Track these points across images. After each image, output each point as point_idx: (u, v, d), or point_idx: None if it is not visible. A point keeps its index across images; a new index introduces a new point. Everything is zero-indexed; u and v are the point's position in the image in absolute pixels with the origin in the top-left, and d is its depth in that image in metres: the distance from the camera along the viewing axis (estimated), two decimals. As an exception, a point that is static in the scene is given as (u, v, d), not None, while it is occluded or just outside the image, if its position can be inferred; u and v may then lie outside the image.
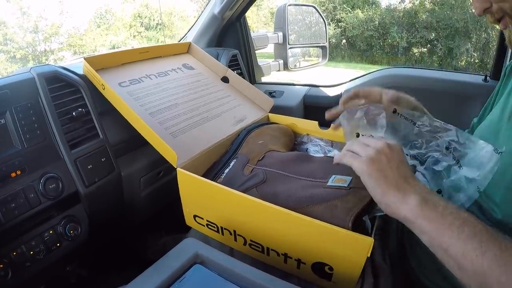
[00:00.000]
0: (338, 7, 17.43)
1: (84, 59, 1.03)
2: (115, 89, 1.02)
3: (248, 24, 1.95)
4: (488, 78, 1.64)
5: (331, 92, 1.91)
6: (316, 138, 1.15)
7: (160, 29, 22.31)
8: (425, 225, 0.60)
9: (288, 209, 0.71)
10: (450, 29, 14.73)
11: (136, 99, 1.03)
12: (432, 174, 0.84)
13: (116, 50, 1.45)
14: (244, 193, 0.78)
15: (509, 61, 1.07)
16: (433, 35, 15.29)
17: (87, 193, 0.96)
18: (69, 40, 20.08)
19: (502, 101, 0.93)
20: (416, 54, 15.83)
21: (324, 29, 2.28)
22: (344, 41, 17.24)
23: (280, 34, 2.10)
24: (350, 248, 0.67)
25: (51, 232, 0.91)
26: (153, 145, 0.91)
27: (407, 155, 0.89)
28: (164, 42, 21.91)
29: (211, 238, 0.91)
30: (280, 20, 2.09)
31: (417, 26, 15.69)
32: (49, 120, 0.94)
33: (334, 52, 17.44)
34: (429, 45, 15.40)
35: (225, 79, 1.33)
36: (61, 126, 0.95)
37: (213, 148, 1.00)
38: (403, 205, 0.62)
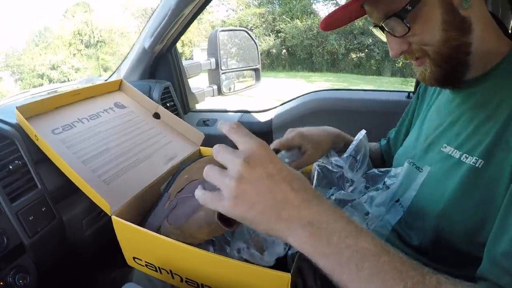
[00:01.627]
0: (278, 18, 17.74)
1: (16, 108, 1.05)
2: (49, 138, 1.05)
3: (190, 40, 1.98)
4: (411, 94, 1.76)
5: (263, 118, 1.98)
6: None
7: (100, 46, 21.88)
8: (319, 261, 0.53)
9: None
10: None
11: (69, 146, 1.06)
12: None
13: (49, 93, 1.46)
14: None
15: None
16: (370, 40, 15.81)
17: (31, 243, 0.98)
18: (6, 60, 19.48)
19: (417, 126, 1.01)
20: (355, 59, 16.31)
21: (256, 52, 2.34)
22: (284, 50, 17.52)
23: (213, 60, 2.13)
24: (271, 285, 0.71)
25: (1, 283, 0.92)
26: (86, 193, 0.95)
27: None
28: (104, 60, 21.45)
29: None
30: (213, 45, 2.12)
31: (355, 32, 16.20)
32: None
33: (275, 62, 17.71)
34: (366, 50, 15.91)
35: (156, 115, 1.36)
36: (-1, 180, 0.97)
37: (146, 190, 1.04)
38: (292, 237, 0.54)
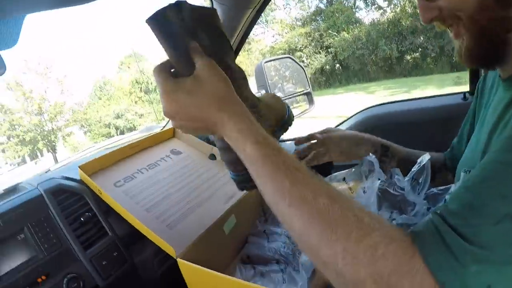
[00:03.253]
0: (324, 34, 17.61)
1: (79, 167, 1.14)
2: (112, 191, 1.12)
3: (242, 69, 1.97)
4: (467, 95, 1.64)
5: None
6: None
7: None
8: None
9: None
10: (435, 28, 14.79)
11: (131, 197, 1.12)
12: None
13: (109, 148, 1.55)
14: None
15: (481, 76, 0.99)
16: (422, 38, 15.35)
17: (106, 285, 1.05)
18: (73, 116, 20.64)
19: (477, 129, 0.90)
20: (410, 61, 15.86)
21: (304, 75, 2.31)
22: (337, 65, 17.34)
23: (263, 91, 2.13)
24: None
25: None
26: (151, 239, 0.99)
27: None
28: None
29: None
30: (260, 78, 2.10)
31: (404, 33, 15.79)
32: (62, 228, 1.06)
33: (330, 79, 17.53)
34: (420, 49, 15.43)
35: (212, 156, 1.40)
36: (73, 231, 1.06)
37: (209, 231, 1.07)
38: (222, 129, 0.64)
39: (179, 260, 0.93)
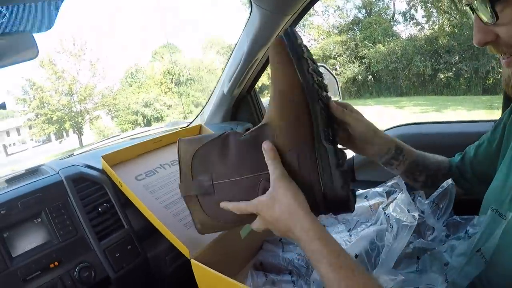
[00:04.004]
0: (360, 44, 17.53)
1: (102, 157, 1.14)
2: (132, 184, 1.12)
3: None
4: None
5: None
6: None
7: (190, 83, 22.82)
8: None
9: None
10: (472, 49, 14.61)
11: (151, 192, 1.13)
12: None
13: (133, 141, 1.55)
14: None
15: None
16: (457, 58, 15.18)
17: (117, 277, 1.06)
18: (103, 100, 20.84)
19: (507, 161, 0.85)
20: (443, 79, 15.68)
21: (336, 85, 2.30)
22: (370, 76, 17.24)
23: None
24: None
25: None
26: (167, 237, 0.99)
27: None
28: (194, 96, 22.26)
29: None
30: None
31: (440, 51, 15.62)
32: (79, 216, 1.07)
33: (361, 90, 17.43)
34: (454, 69, 15.25)
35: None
36: (89, 221, 1.08)
37: (225, 234, 1.06)
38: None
39: (193, 261, 0.92)
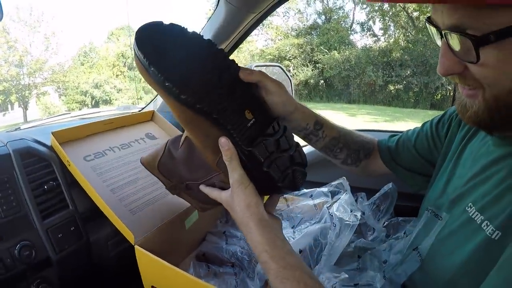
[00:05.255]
0: (316, 49, 17.81)
1: (52, 133, 1.11)
2: (80, 163, 1.10)
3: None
4: None
5: None
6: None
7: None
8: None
9: None
10: (424, 65, 15.17)
11: (99, 174, 1.11)
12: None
13: (82, 121, 1.52)
14: None
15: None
16: (408, 72, 15.70)
17: (58, 258, 1.03)
18: (52, 76, 20.06)
19: (449, 166, 0.88)
20: (393, 91, 16.19)
21: (291, 88, 2.33)
22: (322, 81, 17.56)
23: None
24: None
25: (26, 292, 0.98)
26: (112, 221, 0.98)
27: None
28: (145, 83, 22.17)
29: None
30: None
31: (392, 64, 16.14)
32: (24, 193, 1.03)
33: (312, 93, 17.72)
34: (404, 82, 15.78)
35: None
36: (34, 198, 1.04)
37: (170, 223, 1.06)
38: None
39: (137, 248, 0.92)
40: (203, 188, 0.87)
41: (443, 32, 0.62)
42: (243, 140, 0.76)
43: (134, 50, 0.71)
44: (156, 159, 0.94)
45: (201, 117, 0.73)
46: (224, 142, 0.75)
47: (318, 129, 0.98)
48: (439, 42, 0.67)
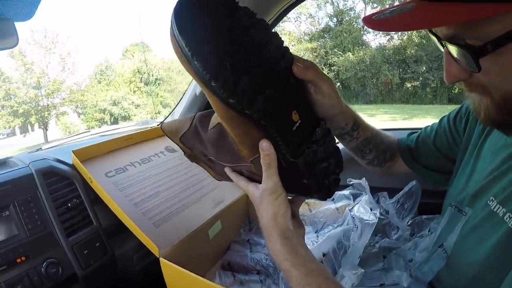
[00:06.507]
0: (330, 52, 17.75)
1: (73, 152, 1.14)
2: (102, 180, 1.12)
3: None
4: None
5: None
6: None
7: (159, 84, 22.59)
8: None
9: None
10: (439, 60, 15.00)
11: (121, 189, 1.12)
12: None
13: (102, 138, 1.54)
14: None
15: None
16: (424, 68, 15.53)
17: (84, 274, 1.05)
18: (70, 96, 20.32)
19: (470, 160, 0.88)
20: (410, 88, 16.04)
21: None
22: (338, 84, 17.48)
23: None
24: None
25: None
26: (136, 235, 1.00)
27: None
28: (163, 97, 22.02)
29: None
30: None
31: (407, 61, 15.98)
32: (48, 211, 1.05)
33: (330, 96, 17.69)
34: (421, 78, 15.61)
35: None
36: (58, 216, 1.06)
37: (194, 234, 1.08)
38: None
39: (162, 260, 0.93)
40: (229, 172, 0.81)
41: (443, 42, 0.63)
42: (287, 149, 0.68)
43: (172, 30, 0.60)
44: (180, 131, 0.89)
45: (245, 118, 0.64)
46: (265, 146, 0.67)
47: (355, 129, 0.96)
48: (442, 49, 0.67)
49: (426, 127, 1.08)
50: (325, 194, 0.76)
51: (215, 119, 0.77)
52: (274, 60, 0.68)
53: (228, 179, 0.83)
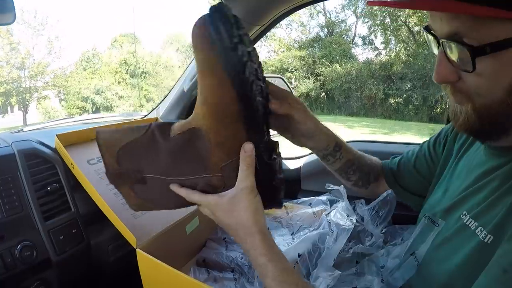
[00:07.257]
0: (318, 61, 17.87)
1: (56, 136, 1.13)
2: (84, 167, 1.12)
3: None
4: None
5: (292, 165, 1.92)
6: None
7: (144, 77, 22.38)
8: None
9: None
10: (424, 78, 15.25)
11: (102, 177, 1.12)
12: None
13: (87, 124, 1.53)
14: None
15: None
16: (408, 85, 15.77)
17: (58, 260, 1.04)
18: (54, 80, 19.89)
19: (446, 178, 0.92)
20: (393, 104, 16.24)
21: None
22: (323, 94, 17.61)
23: None
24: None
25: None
26: (114, 225, 0.99)
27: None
28: (147, 90, 21.79)
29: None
30: None
31: (393, 77, 16.22)
32: (27, 193, 1.04)
33: (313, 105, 17.74)
34: (404, 95, 15.84)
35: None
36: (37, 199, 1.05)
37: (171, 228, 1.08)
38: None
39: (138, 251, 0.93)
40: (175, 188, 0.78)
41: (440, 41, 0.64)
42: (265, 152, 0.77)
43: (204, 22, 0.62)
44: (120, 142, 0.79)
45: (240, 117, 0.69)
46: (249, 148, 0.72)
47: (337, 150, 1.00)
48: (435, 51, 0.69)
49: (408, 151, 1.12)
50: (281, 199, 0.84)
51: (187, 124, 0.76)
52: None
53: (151, 206, 0.87)
